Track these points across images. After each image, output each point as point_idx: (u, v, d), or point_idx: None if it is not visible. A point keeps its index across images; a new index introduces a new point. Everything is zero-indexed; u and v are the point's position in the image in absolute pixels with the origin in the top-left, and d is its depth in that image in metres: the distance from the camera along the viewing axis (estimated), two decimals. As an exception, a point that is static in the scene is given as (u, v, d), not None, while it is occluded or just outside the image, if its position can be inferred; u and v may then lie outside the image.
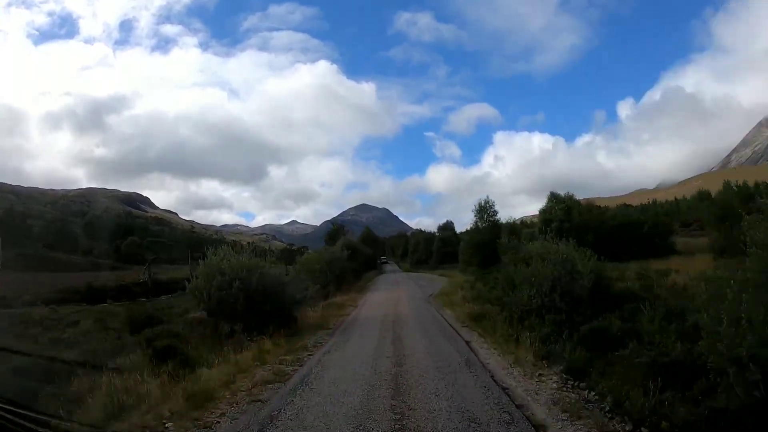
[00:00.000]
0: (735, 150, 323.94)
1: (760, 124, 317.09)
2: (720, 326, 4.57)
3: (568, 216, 31.12)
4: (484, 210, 38.11)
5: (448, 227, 56.67)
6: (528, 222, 49.58)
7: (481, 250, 36.58)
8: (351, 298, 22.15)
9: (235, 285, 11.70)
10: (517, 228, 34.05)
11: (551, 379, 6.94)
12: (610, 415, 5.30)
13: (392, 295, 22.62)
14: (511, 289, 12.48)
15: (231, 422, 5.45)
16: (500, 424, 4.97)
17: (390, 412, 5.44)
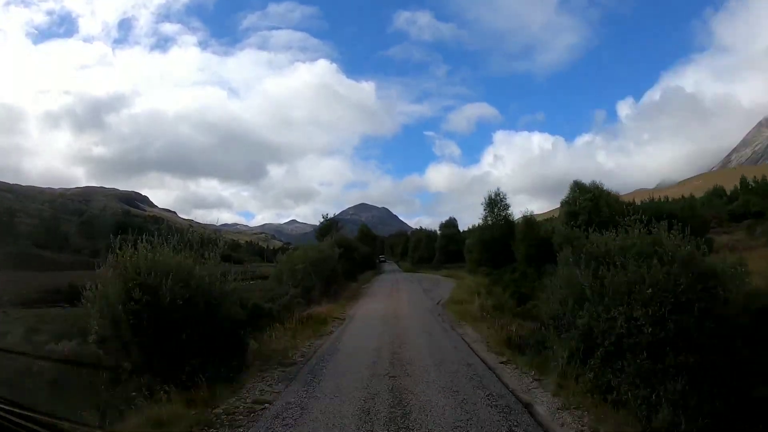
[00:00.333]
0: (735, 150, 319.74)
1: (760, 124, 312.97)
2: None
3: (595, 208, 26.35)
4: (495, 204, 33.45)
5: (451, 224, 52.00)
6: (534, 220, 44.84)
7: (492, 248, 31.91)
8: (340, 306, 17.50)
9: (136, 295, 7.03)
10: (535, 223, 29.34)
11: None
12: None
13: (391, 303, 17.95)
14: (578, 304, 7.79)
15: None
16: None
17: None
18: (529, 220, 28.46)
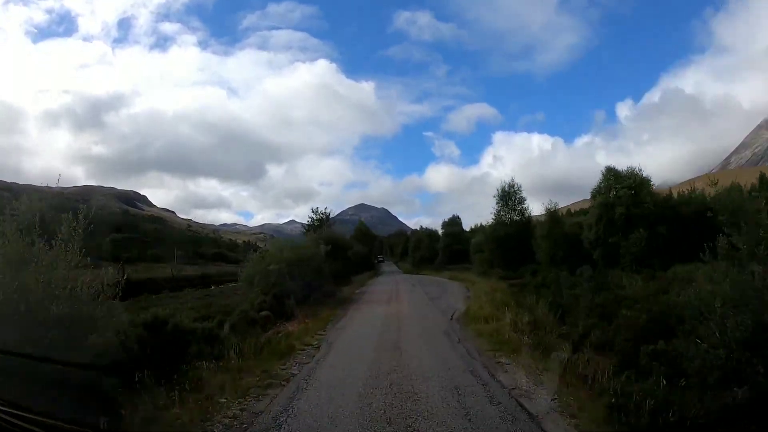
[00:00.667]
0: (735, 151, 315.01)
1: (759, 126, 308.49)
2: None
3: (635, 199, 21.69)
4: (509, 196, 28.74)
5: (454, 222, 47.27)
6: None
7: (507, 247, 27.24)
8: (320, 321, 12.83)
9: None
10: (560, 218, 24.58)
11: None
12: None
13: (389, 319, 13.25)
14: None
15: None
16: None
17: None
18: (553, 215, 23.80)
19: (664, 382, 5.28)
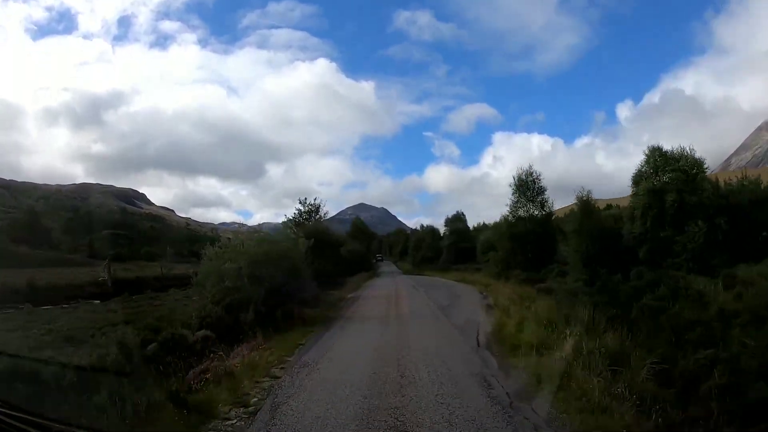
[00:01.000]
0: (735, 153, 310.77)
1: (759, 128, 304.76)
2: None
3: (691, 185, 17.39)
4: (527, 186, 24.43)
5: (459, 219, 42.90)
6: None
7: (527, 245, 22.96)
8: (285, 346, 8.57)
9: None
10: (594, 209, 20.23)
11: None
12: None
13: (387, 341, 8.85)
14: None
15: None
16: None
17: None
18: (586, 205, 19.49)
19: None
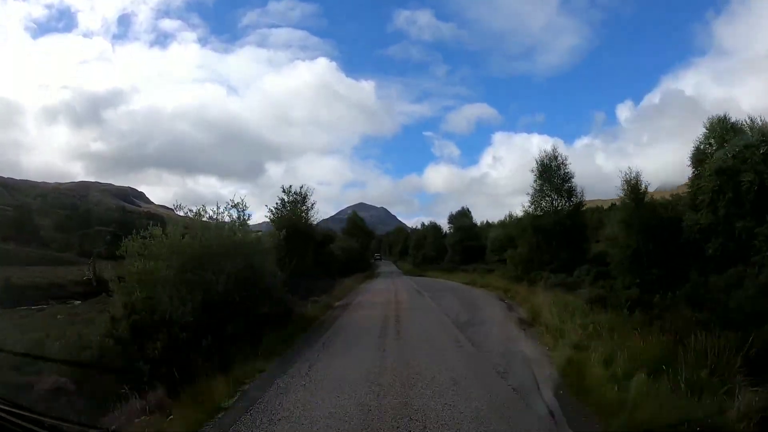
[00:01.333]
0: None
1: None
2: None
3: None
4: (552, 171, 20.37)
5: (464, 214, 38.78)
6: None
7: (554, 241, 18.94)
8: (195, 417, 4.55)
9: None
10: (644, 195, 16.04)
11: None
12: None
13: (383, 412, 4.80)
14: None
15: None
16: None
17: None
18: (635, 191, 15.37)
19: None
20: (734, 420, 3.75)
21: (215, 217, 9.88)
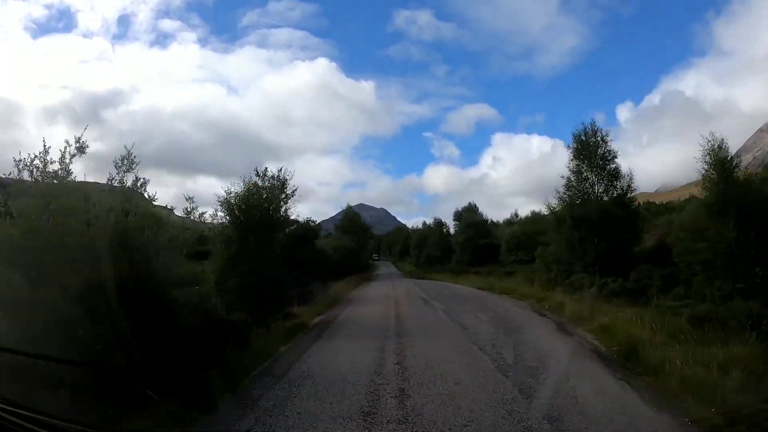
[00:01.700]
0: (736, 155, 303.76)
1: (760, 130, 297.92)
2: None
3: None
4: (591, 149, 16.10)
5: (472, 210, 34.42)
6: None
7: (599, 235, 14.64)
8: None
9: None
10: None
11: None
12: None
13: None
14: None
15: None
16: None
17: None
18: (722, 164, 11.00)
19: None
20: None
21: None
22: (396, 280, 27.82)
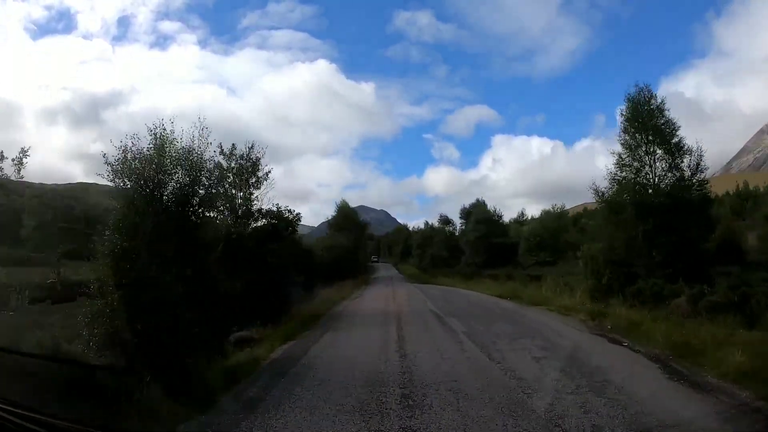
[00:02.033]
0: (736, 156, 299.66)
1: (761, 131, 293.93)
2: None
3: None
4: (647, 121, 12.43)
5: (481, 206, 30.61)
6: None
7: (666, 229, 10.89)
8: None
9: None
10: None
11: None
12: None
13: None
14: None
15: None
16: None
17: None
18: None
19: None
20: None
21: None
22: (398, 286, 24.00)
